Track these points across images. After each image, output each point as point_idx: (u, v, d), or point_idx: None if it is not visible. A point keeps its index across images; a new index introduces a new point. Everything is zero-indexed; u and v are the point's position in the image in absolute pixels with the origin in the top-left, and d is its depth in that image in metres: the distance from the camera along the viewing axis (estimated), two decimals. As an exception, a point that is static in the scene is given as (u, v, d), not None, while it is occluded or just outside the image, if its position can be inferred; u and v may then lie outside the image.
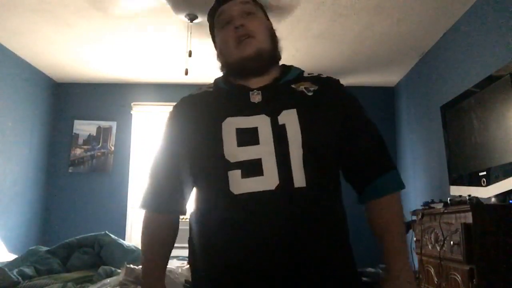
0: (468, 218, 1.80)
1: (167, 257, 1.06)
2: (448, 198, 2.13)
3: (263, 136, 0.91)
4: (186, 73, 3.04)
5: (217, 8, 1.09)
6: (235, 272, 0.88)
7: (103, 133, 4.28)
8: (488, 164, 2.14)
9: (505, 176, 1.96)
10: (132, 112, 4.32)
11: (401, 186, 1.01)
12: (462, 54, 2.84)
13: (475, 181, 2.21)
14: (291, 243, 0.87)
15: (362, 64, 3.79)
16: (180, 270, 2.15)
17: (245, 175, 0.89)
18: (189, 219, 1.02)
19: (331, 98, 1.01)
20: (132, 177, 4.22)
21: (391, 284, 0.94)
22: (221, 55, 1.07)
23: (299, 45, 3.38)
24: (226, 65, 1.07)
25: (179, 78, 4.03)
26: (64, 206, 4.11)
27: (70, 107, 4.34)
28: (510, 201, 1.93)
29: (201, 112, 1.01)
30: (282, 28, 2.96)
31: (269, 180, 0.88)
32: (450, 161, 2.64)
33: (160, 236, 1.03)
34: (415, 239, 2.44)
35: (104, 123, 4.30)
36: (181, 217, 1.06)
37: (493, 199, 2.05)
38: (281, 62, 1.10)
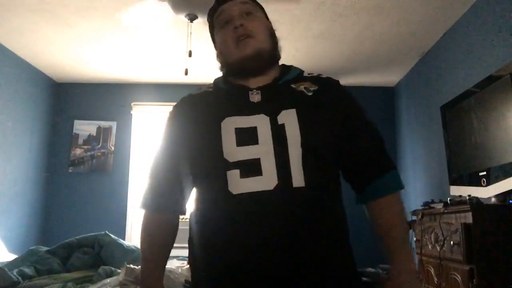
0: (468, 218, 1.80)
1: (166, 257, 1.06)
2: (448, 198, 2.13)
3: (262, 135, 0.91)
4: (186, 73, 3.04)
5: (216, 8, 1.09)
6: (235, 272, 0.88)
7: (103, 133, 4.28)
8: (488, 164, 2.14)
9: (505, 176, 1.96)
10: (132, 112, 4.32)
11: (400, 186, 1.01)
12: (462, 54, 2.84)
13: (475, 181, 2.21)
14: (291, 243, 0.87)
15: (362, 64, 3.79)
16: (180, 270, 2.15)
17: (244, 175, 0.89)
18: (189, 219, 1.02)
19: (331, 98, 1.01)
20: (132, 177, 4.22)
21: (392, 284, 0.94)
22: (221, 55, 1.08)
23: (299, 45, 3.38)
24: (225, 65, 1.07)
25: (179, 78, 4.03)
26: (64, 206, 4.11)
27: (70, 107, 4.34)
28: (510, 201, 1.93)
29: (200, 112, 1.01)
30: (282, 28, 2.95)
31: (268, 180, 0.88)
32: (450, 161, 2.64)
33: (159, 236, 1.03)
34: (415, 239, 2.44)
35: (104, 123, 4.30)
36: (181, 217, 1.06)
37: (493, 199, 2.05)
38: (281, 62, 1.10)
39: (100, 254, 2.61)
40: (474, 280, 1.74)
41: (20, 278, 2.20)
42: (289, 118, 0.93)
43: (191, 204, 1.04)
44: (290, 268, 0.86)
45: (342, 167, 1.02)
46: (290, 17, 2.93)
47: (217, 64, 1.11)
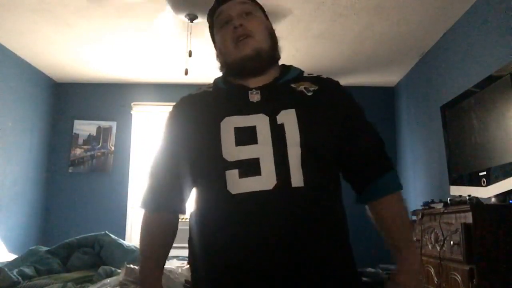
0: (468, 218, 1.80)
1: (165, 256, 1.06)
2: (448, 198, 2.13)
3: (262, 135, 0.91)
4: (186, 73, 3.04)
5: (216, 8, 1.09)
6: (234, 272, 0.88)
7: (103, 133, 4.28)
8: (488, 164, 2.14)
9: (505, 176, 1.96)
10: (132, 112, 4.32)
11: (400, 186, 1.02)
12: (462, 54, 2.84)
13: (475, 181, 2.21)
14: (291, 243, 0.86)
15: (362, 64, 3.79)
16: (180, 270, 2.15)
17: (242, 174, 0.89)
18: (189, 219, 1.02)
19: (331, 98, 1.01)
20: (132, 177, 4.22)
21: (392, 284, 0.94)
22: (221, 55, 1.08)
23: (299, 45, 3.38)
24: (225, 65, 1.07)
25: (179, 78, 4.03)
26: (64, 206, 4.11)
27: (70, 107, 4.34)
28: (510, 201, 1.93)
29: (200, 111, 1.01)
30: (282, 28, 2.96)
31: (266, 180, 0.88)
32: (450, 161, 2.64)
33: (159, 236, 1.03)
34: (415, 239, 2.44)
35: (104, 123, 4.30)
36: (181, 217, 1.06)
37: (493, 199, 2.05)
38: (281, 62, 1.10)
39: (100, 254, 2.61)
40: (474, 280, 1.73)
41: (20, 278, 2.20)
42: (288, 118, 0.92)
43: (191, 204, 1.04)
44: (290, 268, 0.86)
45: (342, 167, 1.02)
46: (290, 17, 2.93)
47: (217, 64, 1.11)
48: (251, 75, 1.02)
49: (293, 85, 1.01)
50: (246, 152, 0.90)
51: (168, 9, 2.77)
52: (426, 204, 2.38)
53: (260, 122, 0.93)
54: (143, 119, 4.37)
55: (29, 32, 3.20)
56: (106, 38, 3.30)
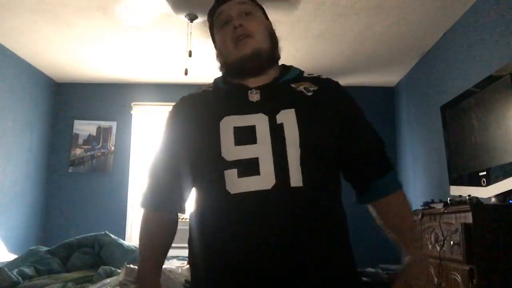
0: (468, 218, 1.80)
1: (165, 255, 1.06)
2: (448, 198, 2.13)
3: (261, 135, 0.91)
4: (186, 73, 3.04)
5: (216, 8, 1.09)
6: (234, 272, 0.88)
7: (103, 133, 4.28)
8: (488, 164, 2.14)
9: (505, 176, 1.96)
10: (132, 112, 4.32)
11: (400, 185, 1.03)
12: (462, 54, 2.84)
13: (475, 181, 2.21)
14: (290, 243, 0.86)
15: (362, 64, 3.79)
16: (180, 270, 2.15)
17: (241, 174, 0.89)
18: (189, 219, 1.02)
19: (331, 98, 1.01)
20: (132, 177, 4.22)
21: (399, 282, 0.95)
22: (220, 55, 1.08)
23: (299, 45, 3.38)
24: (225, 65, 1.07)
25: (179, 78, 4.03)
26: (64, 206, 4.11)
27: (70, 107, 4.34)
28: (510, 201, 1.93)
29: (200, 111, 1.01)
30: (282, 28, 2.96)
31: (265, 180, 0.88)
32: (450, 161, 2.64)
33: (159, 235, 1.03)
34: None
35: (104, 123, 4.30)
36: (180, 217, 1.07)
37: (493, 199, 2.05)
38: (281, 62, 1.10)
39: (100, 254, 2.60)
40: (474, 280, 1.73)
41: (20, 278, 2.20)
42: (288, 118, 0.92)
43: (191, 204, 1.04)
44: (289, 268, 0.86)
45: (343, 167, 1.02)
46: (290, 17, 2.93)
47: (217, 64, 1.11)
48: (251, 75, 1.02)
49: (293, 85, 1.01)
50: (245, 152, 0.90)
51: (168, 9, 2.77)
52: (426, 204, 2.38)
53: (260, 121, 0.93)
54: (143, 119, 4.37)
55: (29, 32, 3.20)
56: (106, 38, 3.30)
